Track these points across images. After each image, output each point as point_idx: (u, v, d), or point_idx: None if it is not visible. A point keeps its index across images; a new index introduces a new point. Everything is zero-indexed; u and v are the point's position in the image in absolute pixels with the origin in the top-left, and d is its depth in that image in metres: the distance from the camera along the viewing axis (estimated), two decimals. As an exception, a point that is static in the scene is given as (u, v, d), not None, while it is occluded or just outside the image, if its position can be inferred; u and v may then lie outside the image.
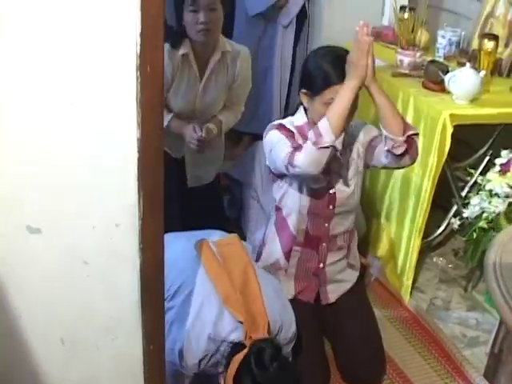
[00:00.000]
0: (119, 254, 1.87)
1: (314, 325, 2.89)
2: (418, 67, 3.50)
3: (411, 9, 3.79)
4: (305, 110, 2.73)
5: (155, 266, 1.91)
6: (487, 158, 3.49)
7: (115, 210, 1.82)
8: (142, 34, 1.65)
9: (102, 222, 1.82)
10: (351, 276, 3.03)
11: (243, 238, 3.45)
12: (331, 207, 2.78)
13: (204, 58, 3.22)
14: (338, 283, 2.97)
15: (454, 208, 3.57)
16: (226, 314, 2.37)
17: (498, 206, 3.08)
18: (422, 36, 3.80)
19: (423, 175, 3.18)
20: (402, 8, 3.83)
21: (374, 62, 2.51)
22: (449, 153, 3.15)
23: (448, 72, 3.25)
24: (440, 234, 3.67)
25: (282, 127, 2.68)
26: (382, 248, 3.55)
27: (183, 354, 2.36)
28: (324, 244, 2.85)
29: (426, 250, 3.69)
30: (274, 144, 2.63)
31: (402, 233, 3.38)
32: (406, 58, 3.48)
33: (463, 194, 3.51)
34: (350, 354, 2.87)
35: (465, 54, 3.66)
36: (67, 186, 1.76)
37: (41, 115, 1.67)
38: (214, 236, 2.70)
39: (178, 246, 2.59)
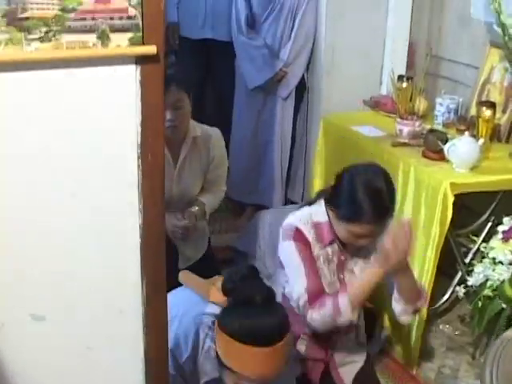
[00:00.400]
0: (123, 339, 1.88)
1: None
2: (418, 136, 3.53)
3: (409, 78, 3.85)
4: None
5: (159, 350, 1.92)
6: (490, 224, 3.49)
7: (119, 297, 1.84)
8: (142, 124, 1.68)
9: (105, 309, 1.84)
10: (360, 356, 2.94)
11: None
12: None
13: (176, 145, 3.27)
14: (349, 365, 2.90)
15: (459, 275, 3.56)
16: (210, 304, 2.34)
17: (502, 273, 3.07)
18: (421, 104, 3.84)
19: (426, 245, 3.18)
20: (400, 77, 3.89)
21: (408, 255, 2.50)
22: (451, 219, 3.16)
23: (447, 141, 3.28)
24: (445, 301, 3.65)
25: (298, 236, 2.59)
26: (386, 318, 3.53)
27: (174, 352, 2.31)
28: (334, 337, 2.80)
29: (432, 317, 3.67)
30: (290, 270, 2.62)
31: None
32: (405, 128, 3.52)
33: (467, 260, 3.51)
34: None
35: (463, 121, 3.70)
36: (70, 275, 1.78)
37: (43, 207, 1.69)
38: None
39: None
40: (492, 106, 3.46)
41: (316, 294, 2.54)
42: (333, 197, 2.59)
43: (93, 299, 1.82)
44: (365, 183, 2.49)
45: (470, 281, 3.20)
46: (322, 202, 2.66)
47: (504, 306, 3.05)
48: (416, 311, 2.72)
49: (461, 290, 3.31)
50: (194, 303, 2.38)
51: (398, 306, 2.65)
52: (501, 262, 3.09)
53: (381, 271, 2.44)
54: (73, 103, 1.64)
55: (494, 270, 3.10)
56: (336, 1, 4.05)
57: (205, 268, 3.40)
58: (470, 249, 3.54)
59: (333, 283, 2.66)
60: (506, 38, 3.39)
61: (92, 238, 1.76)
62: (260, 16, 4.33)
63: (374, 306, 3.34)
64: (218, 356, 2.17)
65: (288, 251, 2.62)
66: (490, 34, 3.74)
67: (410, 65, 4.23)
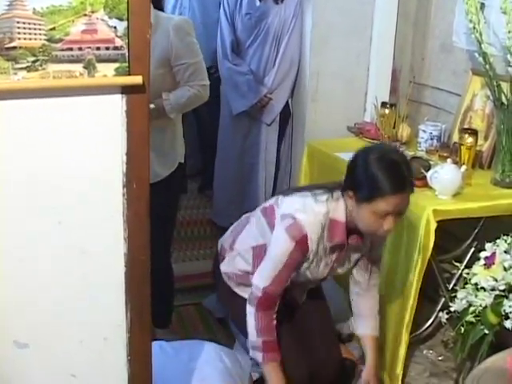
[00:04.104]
0: (107, 367, 1.88)
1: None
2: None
3: (392, 105, 3.89)
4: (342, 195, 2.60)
5: (143, 379, 1.91)
6: (472, 249, 3.52)
7: (103, 324, 1.84)
8: (128, 153, 1.70)
9: (89, 337, 1.84)
10: None
11: (232, 339, 3.45)
12: (320, 282, 2.87)
13: None
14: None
15: (442, 300, 3.57)
16: None
17: (485, 299, 3.08)
18: (404, 131, 3.89)
19: (409, 270, 3.20)
20: (384, 104, 3.93)
21: None
22: (434, 245, 3.18)
23: (430, 168, 3.31)
24: (429, 326, 3.66)
25: (301, 243, 2.54)
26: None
27: None
28: (299, 302, 2.91)
29: (416, 342, 3.67)
30: (268, 259, 2.62)
31: (390, 328, 3.38)
32: (388, 155, 3.55)
33: (450, 286, 3.53)
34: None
35: (446, 148, 3.73)
36: (55, 302, 1.78)
37: (29, 234, 1.70)
38: (205, 347, 2.70)
39: (164, 358, 2.58)
40: (474, 133, 3.50)
41: (270, 299, 2.62)
42: (349, 181, 2.54)
43: (77, 326, 1.83)
44: (379, 158, 2.44)
45: (453, 306, 3.22)
46: (341, 199, 2.59)
47: (487, 331, 3.05)
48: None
49: (444, 316, 3.32)
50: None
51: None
52: (483, 288, 3.10)
53: None
54: (59, 132, 1.66)
55: (476, 295, 3.11)
56: (320, 28, 4.08)
57: (171, 186, 3.27)
58: (453, 274, 3.56)
59: (319, 272, 2.73)
60: (487, 66, 3.44)
61: (77, 265, 1.77)
62: (245, 42, 4.38)
63: (353, 358, 3.38)
64: None
65: (282, 245, 2.57)
66: (471, 61, 3.79)
67: (394, 91, 4.27)
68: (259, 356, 2.63)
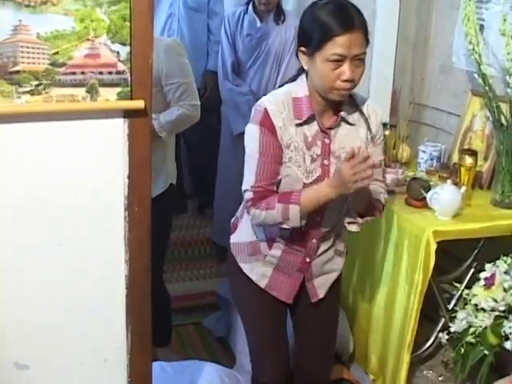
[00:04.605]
0: (107, 388, 1.88)
1: (280, 321, 2.76)
2: (401, 183, 3.57)
3: (392, 125, 3.90)
4: (306, 76, 2.46)
5: (143, 400, 1.92)
6: (472, 270, 3.52)
7: (103, 346, 1.85)
8: (129, 176, 1.71)
9: (90, 358, 1.85)
10: (338, 264, 2.75)
11: (232, 359, 3.45)
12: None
13: None
14: (326, 275, 2.72)
15: (442, 321, 3.57)
16: None
17: (485, 320, 3.09)
18: (404, 151, 3.91)
19: (409, 292, 3.21)
20: (384, 125, 3.92)
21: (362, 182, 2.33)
22: (434, 265, 3.18)
23: (430, 189, 3.32)
24: (429, 346, 3.66)
25: (265, 120, 2.40)
26: (371, 363, 3.54)
27: None
28: (314, 241, 2.59)
29: (416, 362, 3.67)
30: (246, 158, 2.53)
31: (390, 348, 3.38)
32: (388, 176, 3.56)
33: (450, 306, 3.53)
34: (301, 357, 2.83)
35: (446, 169, 3.75)
36: (55, 324, 1.79)
37: (31, 256, 1.71)
38: (205, 368, 2.70)
39: (165, 379, 2.58)
40: (474, 154, 3.52)
41: (263, 194, 2.45)
42: (300, 38, 2.41)
43: (78, 348, 1.84)
44: (324, 4, 2.34)
45: (453, 327, 3.22)
46: (302, 77, 2.48)
47: (486, 352, 3.06)
48: (367, 221, 2.60)
49: (444, 337, 3.33)
50: None
51: (348, 216, 2.56)
52: (483, 309, 3.11)
53: (332, 193, 2.35)
54: (62, 155, 1.67)
55: (476, 316, 3.12)
56: (320, 48, 4.11)
57: (162, 206, 3.13)
58: (453, 295, 3.57)
59: (312, 171, 2.48)
60: (487, 87, 3.46)
61: (78, 287, 1.77)
62: (246, 63, 4.41)
63: (352, 379, 3.39)
64: None
65: (250, 135, 2.49)
66: (471, 82, 3.81)
67: (394, 112, 4.28)
68: (293, 210, 2.38)
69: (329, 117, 2.48)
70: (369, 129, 2.54)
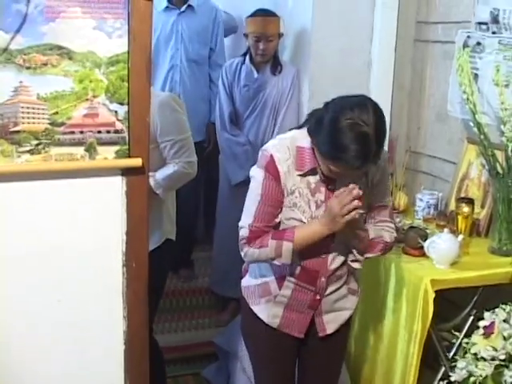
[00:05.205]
0: None
1: (291, 359, 2.78)
2: (399, 232, 3.58)
3: (389, 174, 3.93)
4: None
5: None
6: (471, 318, 3.51)
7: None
8: (127, 233, 1.73)
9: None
10: (351, 303, 2.76)
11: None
12: (329, 241, 2.52)
13: None
14: (337, 312, 2.72)
15: (442, 370, 3.56)
16: None
17: (485, 369, 3.07)
18: (401, 200, 3.93)
19: (409, 340, 3.20)
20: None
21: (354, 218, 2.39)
22: (433, 313, 3.18)
23: (427, 237, 3.34)
24: (430, 396, 3.64)
25: (270, 166, 2.45)
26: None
27: None
28: (323, 279, 2.59)
29: (417, 412, 3.65)
30: (247, 199, 2.58)
31: (392, 398, 3.37)
32: (386, 224, 3.58)
33: (450, 355, 3.51)
34: None
35: (443, 217, 3.76)
36: (54, 379, 1.79)
37: (29, 311, 1.72)
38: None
39: None
40: (470, 202, 3.54)
41: (258, 234, 2.50)
42: (315, 129, 2.40)
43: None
44: (350, 126, 2.25)
45: (454, 376, 3.20)
46: (305, 129, 2.51)
47: (488, 401, 3.05)
48: (368, 258, 2.65)
49: (444, 386, 3.31)
50: None
51: (350, 254, 2.60)
52: (483, 358, 3.10)
53: (325, 229, 2.40)
54: (61, 212, 1.69)
55: (476, 365, 3.11)
56: (317, 98, 4.13)
57: (156, 260, 2.95)
58: (452, 343, 3.55)
59: (317, 217, 2.49)
60: (482, 136, 3.49)
61: (77, 343, 1.78)
62: (243, 113, 4.45)
63: None
64: None
65: (255, 178, 2.53)
66: (466, 130, 3.83)
67: (391, 161, 4.31)
68: (286, 247, 2.45)
69: None
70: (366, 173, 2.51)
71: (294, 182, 2.48)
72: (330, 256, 2.57)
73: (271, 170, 2.46)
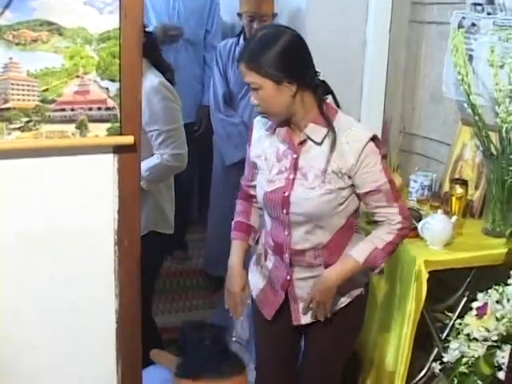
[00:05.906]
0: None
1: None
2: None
3: (383, 156, 3.91)
4: None
5: None
6: (464, 299, 3.52)
7: (93, 380, 1.86)
8: (119, 211, 1.72)
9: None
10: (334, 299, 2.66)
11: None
12: (285, 211, 2.55)
13: None
14: (309, 279, 2.65)
15: (435, 351, 3.57)
16: None
17: (477, 350, 3.08)
18: (396, 181, 3.91)
19: (402, 321, 3.21)
20: (375, 154, 3.95)
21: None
22: (426, 294, 3.19)
23: (421, 219, 3.34)
24: (422, 377, 3.65)
25: (250, 131, 2.73)
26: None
27: None
28: (286, 255, 2.61)
29: (410, 392, 3.66)
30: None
31: (384, 378, 3.37)
32: (380, 205, 3.57)
33: (443, 336, 3.52)
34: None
35: (437, 198, 3.77)
36: (44, 357, 1.79)
37: (21, 290, 1.71)
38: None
39: None
40: (464, 183, 3.54)
41: (244, 194, 2.90)
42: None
43: (67, 381, 1.83)
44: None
45: (446, 357, 3.21)
46: None
47: (480, 382, 3.04)
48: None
49: (437, 367, 3.31)
50: (167, 380, 2.36)
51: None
52: (475, 339, 3.10)
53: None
54: (52, 191, 1.68)
55: (469, 346, 3.11)
56: (311, 80, 4.14)
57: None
58: (445, 324, 3.56)
59: (274, 181, 2.58)
60: (476, 117, 3.48)
61: (68, 321, 1.77)
62: (237, 93, 4.42)
63: None
64: None
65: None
66: (461, 112, 3.83)
67: (385, 142, 4.30)
68: (232, 235, 2.81)
69: (297, 134, 2.56)
70: (331, 149, 2.48)
71: (262, 148, 2.64)
72: (293, 234, 2.58)
73: (249, 134, 2.73)
